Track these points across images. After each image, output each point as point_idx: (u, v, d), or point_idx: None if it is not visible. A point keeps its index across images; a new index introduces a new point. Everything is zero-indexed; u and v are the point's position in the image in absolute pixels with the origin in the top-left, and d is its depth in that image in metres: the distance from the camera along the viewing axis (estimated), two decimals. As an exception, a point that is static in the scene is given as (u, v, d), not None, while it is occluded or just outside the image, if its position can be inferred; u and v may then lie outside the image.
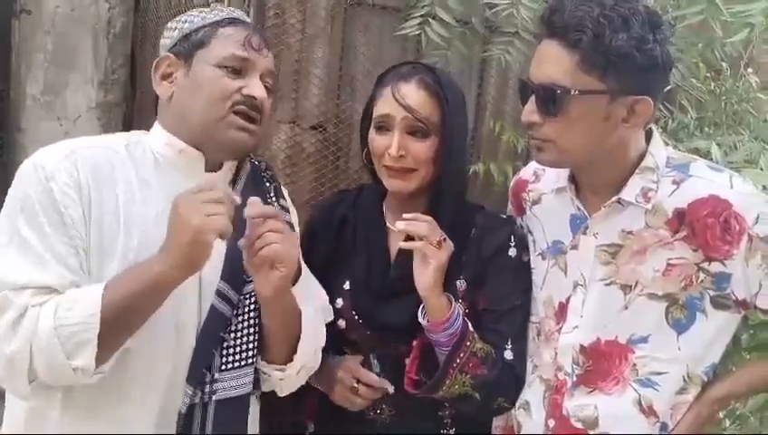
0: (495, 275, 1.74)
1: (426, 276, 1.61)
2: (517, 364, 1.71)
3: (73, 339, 1.29)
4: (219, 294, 1.48)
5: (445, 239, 1.62)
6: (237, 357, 1.50)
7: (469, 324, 1.66)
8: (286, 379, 1.60)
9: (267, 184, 1.67)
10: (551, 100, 1.45)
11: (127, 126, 2.45)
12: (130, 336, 1.37)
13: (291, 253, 1.46)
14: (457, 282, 1.73)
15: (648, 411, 1.56)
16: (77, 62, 2.32)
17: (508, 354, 1.70)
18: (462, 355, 1.62)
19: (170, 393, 1.45)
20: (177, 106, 1.52)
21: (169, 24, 1.59)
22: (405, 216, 1.62)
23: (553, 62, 1.45)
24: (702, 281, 1.51)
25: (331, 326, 1.76)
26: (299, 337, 1.57)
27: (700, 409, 1.56)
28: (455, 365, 1.63)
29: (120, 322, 1.33)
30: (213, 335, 1.48)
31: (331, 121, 2.72)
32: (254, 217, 1.41)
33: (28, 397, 1.38)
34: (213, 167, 1.55)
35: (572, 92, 1.43)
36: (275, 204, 1.63)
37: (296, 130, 2.69)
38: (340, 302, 1.79)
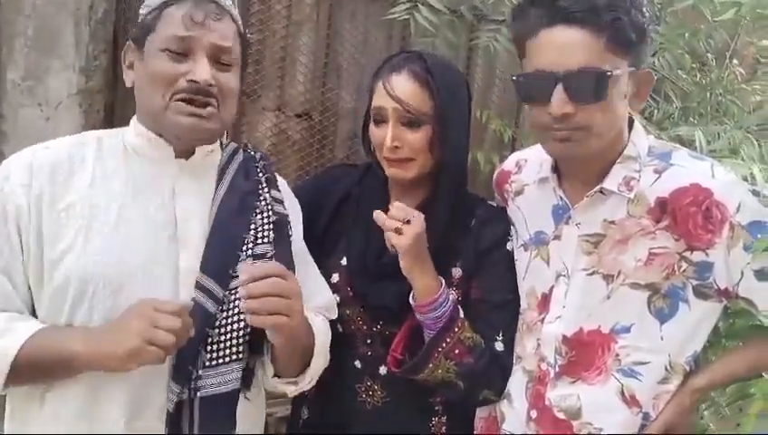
0: (491, 268, 1.75)
1: (400, 260, 1.62)
2: (506, 357, 1.71)
3: None
4: (201, 288, 1.44)
5: (408, 222, 1.60)
6: (222, 353, 1.45)
7: (460, 312, 1.67)
8: (299, 389, 1.60)
9: (260, 174, 1.63)
10: (587, 86, 1.43)
11: (109, 112, 2.42)
12: (42, 382, 1.38)
13: (294, 308, 1.39)
14: (453, 269, 1.74)
15: (631, 401, 1.56)
16: (58, 48, 2.28)
17: (498, 346, 1.70)
18: (448, 340, 1.63)
19: (145, 387, 1.41)
20: (137, 95, 1.49)
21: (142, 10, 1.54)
22: (395, 204, 1.63)
23: (580, 48, 1.42)
24: (684, 270, 1.51)
25: None
26: (311, 353, 1.57)
27: (682, 398, 1.56)
28: (439, 350, 1.63)
29: (31, 374, 1.35)
30: (198, 333, 1.42)
31: (317, 109, 2.72)
32: (246, 283, 1.35)
33: None
34: (185, 154, 1.51)
35: (608, 74, 1.42)
36: (267, 195, 1.60)
37: (281, 118, 2.69)
38: (336, 277, 1.79)
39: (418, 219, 1.61)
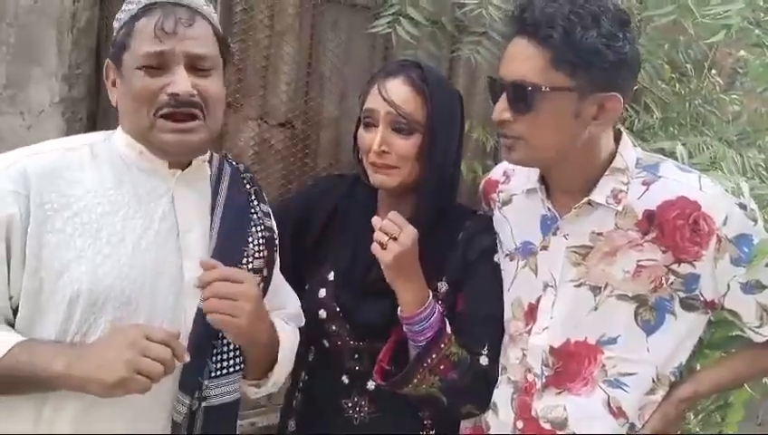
0: (477, 280, 1.73)
1: (384, 272, 1.62)
2: (491, 370, 1.70)
3: None
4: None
5: (395, 239, 1.59)
6: (226, 364, 1.48)
7: (447, 327, 1.65)
8: (260, 392, 1.61)
9: (248, 187, 1.63)
10: (522, 97, 1.46)
11: (92, 121, 2.40)
12: (16, 394, 1.34)
13: (243, 308, 1.40)
14: (439, 284, 1.72)
15: (618, 412, 1.57)
16: (41, 56, 2.27)
17: (484, 360, 1.69)
18: (434, 356, 1.62)
19: (147, 399, 1.37)
20: (121, 114, 1.46)
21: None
22: (392, 214, 1.63)
23: (524, 60, 1.45)
24: (672, 283, 1.52)
25: (311, 316, 1.76)
26: (275, 359, 1.58)
27: (667, 409, 1.58)
28: (425, 365, 1.62)
29: (10, 385, 1.31)
30: (204, 344, 1.44)
31: (300, 118, 2.72)
32: (203, 286, 1.38)
33: None
34: (179, 164, 1.49)
35: (543, 89, 1.44)
36: (258, 208, 1.61)
37: (264, 127, 2.68)
38: (322, 292, 1.78)
39: (405, 235, 1.59)
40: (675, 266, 1.51)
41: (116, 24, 1.44)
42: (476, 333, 1.70)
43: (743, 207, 1.51)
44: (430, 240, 1.68)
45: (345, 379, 1.78)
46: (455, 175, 1.81)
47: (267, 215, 1.64)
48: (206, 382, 1.44)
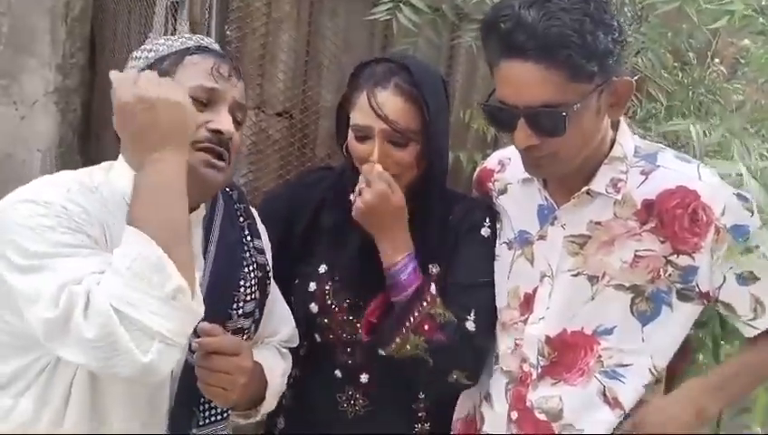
0: (465, 250, 1.73)
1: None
2: (479, 338, 1.67)
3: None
4: (192, 350, 1.42)
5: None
6: (214, 412, 1.48)
7: (432, 289, 1.64)
8: (249, 421, 1.63)
9: (242, 220, 1.61)
10: (551, 122, 1.41)
11: (85, 110, 2.39)
12: None
13: (236, 382, 1.39)
14: (430, 265, 1.71)
15: (614, 403, 1.56)
16: (34, 46, 2.25)
17: (470, 326, 1.66)
18: (417, 314, 1.61)
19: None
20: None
21: (134, 54, 1.48)
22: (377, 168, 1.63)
23: (540, 85, 1.38)
24: (670, 275, 1.51)
25: (302, 311, 1.75)
26: (263, 397, 1.59)
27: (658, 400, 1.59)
28: (408, 323, 1.61)
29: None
30: (191, 393, 1.42)
31: (298, 108, 2.70)
32: (201, 352, 1.36)
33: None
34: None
35: (575, 108, 1.39)
36: (251, 244, 1.59)
37: (261, 117, 2.66)
38: (313, 286, 1.76)
39: (367, 192, 1.61)
40: (673, 258, 1.50)
41: (153, 54, 1.43)
42: (461, 300, 1.69)
43: (741, 197, 1.49)
44: (421, 224, 1.69)
45: (338, 373, 1.77)
46: (448, 163, 1.82)
47: (260, 251, 1.62)
48: (194, 431, 1.46)
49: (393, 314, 1.63)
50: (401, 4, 2.38)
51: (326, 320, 1.75)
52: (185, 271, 1.19)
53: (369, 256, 1.69)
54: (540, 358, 1.61)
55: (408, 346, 1.62)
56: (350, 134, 1.70)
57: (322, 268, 1.77)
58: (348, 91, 1.72)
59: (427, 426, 1.78)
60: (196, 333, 1.34)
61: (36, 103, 2.27)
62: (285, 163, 2.68)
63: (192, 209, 1.44)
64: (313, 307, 1.75)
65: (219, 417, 1.49)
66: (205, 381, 1.36)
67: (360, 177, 1.64)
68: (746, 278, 1.50)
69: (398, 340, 1.62)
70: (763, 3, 2.10)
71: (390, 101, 1.62)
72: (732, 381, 1.60)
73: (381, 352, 1.66)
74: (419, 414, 1.77)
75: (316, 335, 1.78)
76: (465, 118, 2.75)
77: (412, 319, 1.61)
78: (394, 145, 1.64)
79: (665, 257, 1.50)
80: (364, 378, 1.75)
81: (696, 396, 1.58)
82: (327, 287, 1.75)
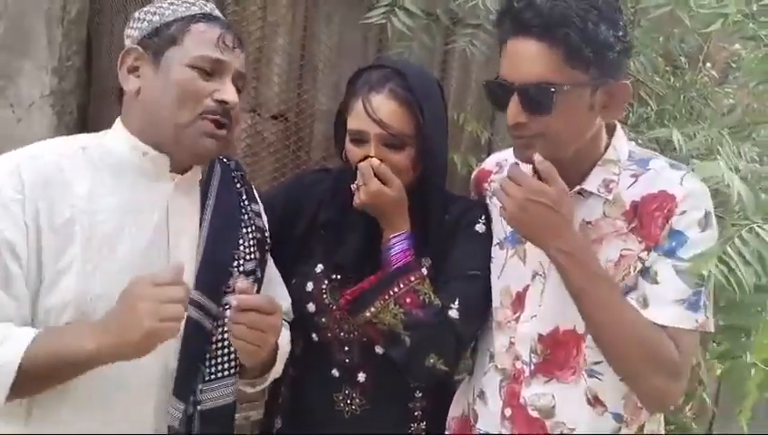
0: (458, 245, 1.74)
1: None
2: (461, 326, 1.66)
3: None
4: (197, 305, 1.45)
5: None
6: (221, 368, 1.49)
7: (423, 268, 1.67)
8: (255, 389, 1.64)
9: (239, 186, 1.64)
10: (540, 98, 1.44)
11: (82, 113, 2.38)
12: (50, 388, 1.31)
13: (268, 341, 1.41)
14: (423, 260, 1.72)
15: (594, 401, 1.58)
16: (30, 48, 2.25)
17: (453, 313, 1.66)
18: (402, 286, 1.63)
19: (138, 405, 1.42)
20: (144, 104, 1.43)
21: (136, 14, 1.49)
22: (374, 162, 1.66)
23: (536, 61, 1.43)
24: (639, 270, 1.53)
25: (299, 310, 1.76)
26: (273, 361, 1.60)
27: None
28: (391, 293, 1.62)
29: (39, 378, 1.27)
30: (196, 349, 1.45)
31: (293, 111, 2.71)
32: (236, 309, 1.35)
33: None
34: (179, 169, 1.48)
35: (564, 88, 1.42)
36: (248, 208, 1.61)
37: (256, 119, 2.67)
38: (310, 285, 1.77)
39: (363, 193, 1.64)
40: (643, 255, 1.52)
41: (157, 18, 1.44)
42: (448, 288, 1.69)
43: (707, 214, 1.50)
44: (418, 225, 1.71)
45: (335, 372, 1.78)
46: (446, 166, 1.83)
47: (258, 214, 1.65)
48: (200, 386, 1.46)
49: (378, 281, 1.65)
50: (396, 9, 2.40)
51: (323, 319, 1.76)
52: None
53: (367, 255, 1.71)
54: (532, 355, 1.62)
55: (387, 315, 1.62)
56: (348, 139, 1.72)
57: (320, 268, 1.78)
58: (345, 98, 1.74)
59: (422, 425, 1.79)
60: (222, 297, 1.41)
61: (32, 106, 2.26)
62: (280, 166, 2.70)
63: (184, 170, 1.50)
64: (311, 307, 1.76)
65: (226, 373, 1.50)
66: (240, 336, 1.36)
67: (358, 172, 1.66)
68: (650, 276, 1.51)
69: (378, 304, 1.62)
70: (755, 8, 2.12)
71: (385, 105, 1.64)
72: (603, 286, 1.52)
73: (357, 319, 1.66)
74: (415, 413, 1.78)
75: (313, 335, 1.78)
76: (459, 121, 2.77)
77: (396, 289, 1.63)
78: (389, 148, 1.66)
79: (638, 256, 1.52)
80: (361, 377, 1.76)
81: (586, 245, 1.53)
82: (324, 286, 1.76)
